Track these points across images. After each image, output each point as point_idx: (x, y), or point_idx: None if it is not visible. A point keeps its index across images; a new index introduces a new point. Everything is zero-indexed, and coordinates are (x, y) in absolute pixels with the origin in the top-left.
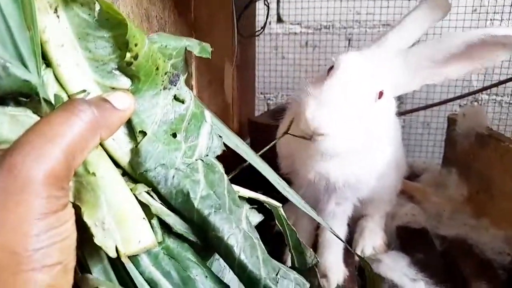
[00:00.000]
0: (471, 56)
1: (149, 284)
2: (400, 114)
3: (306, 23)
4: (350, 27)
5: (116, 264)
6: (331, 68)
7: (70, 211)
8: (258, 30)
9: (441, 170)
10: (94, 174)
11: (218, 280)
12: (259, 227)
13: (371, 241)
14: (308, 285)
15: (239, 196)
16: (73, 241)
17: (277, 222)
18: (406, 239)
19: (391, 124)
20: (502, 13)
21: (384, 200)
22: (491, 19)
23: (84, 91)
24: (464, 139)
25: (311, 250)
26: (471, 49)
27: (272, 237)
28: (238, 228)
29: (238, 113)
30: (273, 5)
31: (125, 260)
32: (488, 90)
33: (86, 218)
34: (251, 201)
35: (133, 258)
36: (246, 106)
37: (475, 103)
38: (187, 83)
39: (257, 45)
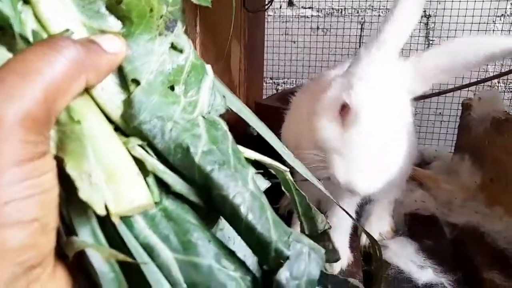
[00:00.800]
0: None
1: (144, 249)
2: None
3: (317, 6)
4: (363, 10)
5: (106, 226)
6: (344, 107)
7: (51, 161)
8: (266, 4)
9: (453, 157)
10: (79, 122)
11: (222, 245)
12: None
13: (378, 226)
14: (323, 250)
15: (245, 158)
16: (53, 197)
17: (283, 189)
18: (415, 226)
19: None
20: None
21: (393, 187)
22: (510, 2)
23: (67, 30)
24: (479, 124)
25: (323, 215)
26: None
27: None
28: (245, 187)
29: (245, 95)
30: None
31: (116, 221)
32: (505, 78)
33: (69, 169)
34: (256, 168)
35: (126, 219)
36: (254, 89)
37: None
38: None
39: (267, 27)
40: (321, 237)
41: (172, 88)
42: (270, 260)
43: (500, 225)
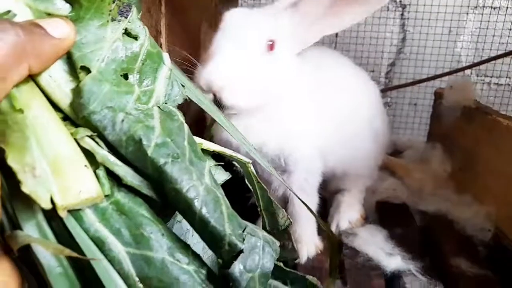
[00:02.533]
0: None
1: (95, 243)
2: (387, 90)
3: None
4: None
5: (54, 219)
6: None
7: None
8: None
9: (425, 145)
10: (21, 111)
11: (176, 238)
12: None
13: (347, 214)
14: (278, 243)
15: (203, 150)
16: None
17: (246, 181)
18: (385, 214)
19: (304, 82)
20: None
21: (362, 174)
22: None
23: (8, 12)
24: (451, 113)
25: (284, 210)
26: None
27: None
28: (199, 180)
29: None
30: None
31: (63, 214)
32: (478, 70)
33: (11, 162)
34: (217, 160)
35: (76, 213)
36: None
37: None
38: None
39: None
40: (281, 236)
41: (125, 76)
42: (224, 253)
43: (468, 212)
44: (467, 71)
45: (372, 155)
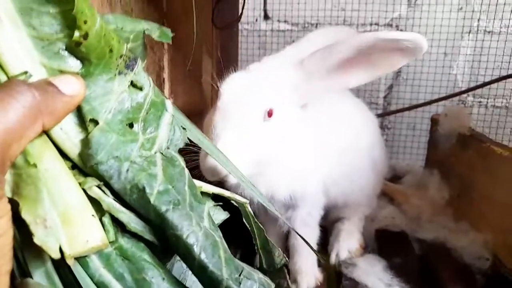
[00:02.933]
0: (370, 62)
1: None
2: (384, 114)
3: (292, 20)
4: (337, 24)
5: (62, 266)
6: None
7: (5, 206)
8: (235, 20)
9: (423, 171)
10: (35, 165)
11: (176, 282)
12: (230, 228)
13: (347, 244)
14: (273, 285)
15: (203, 192)
16: (8, 241)
17: (244, 220)
18: (385, 243)
19: (310, 133)
20: (488, 12)
21: (361, 203)
22: (478, 19)
23: (25, 72)
24: (446, 140)
25: (280, 249)
26: (365, 54)
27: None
28: (198, 225)
29: None
30: (260, 1)
31: (70, 262)
32: (474, 92)
33: (24, 215)
34: (217, 199)
35: (82, 259)
36: None
37: (461, 105)
38: (158, 75)
39: (242, 41)
40: (278, 274)
41: (131, 125)
42: None
43: (466, 240)
44: (464, 95)
45: (371, 184)
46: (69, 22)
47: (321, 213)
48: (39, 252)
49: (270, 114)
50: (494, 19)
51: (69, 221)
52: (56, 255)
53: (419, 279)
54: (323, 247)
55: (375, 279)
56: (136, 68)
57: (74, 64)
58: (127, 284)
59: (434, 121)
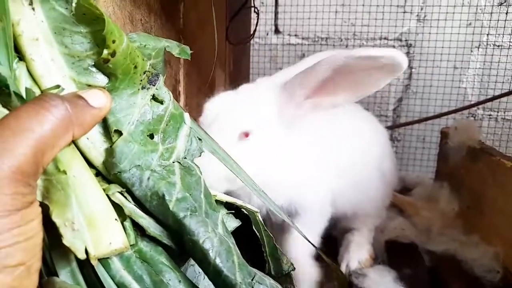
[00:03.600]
0: (352, 81)
1: None
2: (394, 127)
3: (302, 34)
4: (346, 39)
5: (86, 267)
6: None
7: (37, 209)
8: (248, 37)
9: (433, 184)
10: (65, 172)
11: (192, 285)
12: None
13: (357, 254)
14: None
15: (216, 201)
16: (38, 242)
17: (254, 228)
18: (394, 254)
19: (298, 149)
20: (497, 27)
21: (371, 214)
22: (487, 34)
23: (58, 86)
24: (456, 153)
25: (287, 257)
26: (345, 73)
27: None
28: (214, 231)
29: None
30: (271, 15)
31: (94, 263)
32: (484, 105)
33: (55, 218)
34: (229, 207)
35: (104, 261)
36: None
37: (471, 118)
38: (174, 89)
39: (253, 55)
40: (284, 280)
41: (151, 136)
42: None
43: (476, 253)
44: (473, 108)
45: (381, 196)
46: (98, 41)
47: (325, 223)
48: (65, 253)
49: (246, 134)
50: (503, 34)
51: (94, 225)
52: (82, 255)
53: None
54: (333, 258)
55: None
56: (158, 83)
57: (101, 79)
58: (145, 285)
59: (444, 134)
